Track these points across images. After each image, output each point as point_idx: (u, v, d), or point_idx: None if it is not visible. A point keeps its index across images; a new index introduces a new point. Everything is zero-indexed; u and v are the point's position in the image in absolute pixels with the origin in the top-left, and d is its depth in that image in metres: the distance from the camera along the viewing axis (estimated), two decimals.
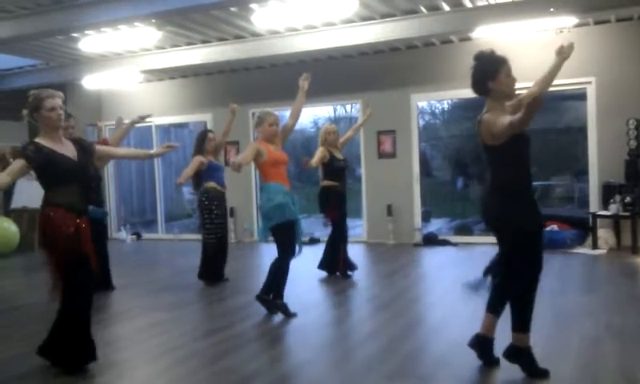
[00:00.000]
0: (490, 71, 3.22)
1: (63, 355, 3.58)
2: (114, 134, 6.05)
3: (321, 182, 6.47)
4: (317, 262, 6.68)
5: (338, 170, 6.43)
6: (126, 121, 6.25)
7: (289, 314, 4.84)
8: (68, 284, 3.51)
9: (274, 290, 4.91)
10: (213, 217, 6.18)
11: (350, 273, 6.50)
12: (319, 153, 6.31)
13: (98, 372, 3.72)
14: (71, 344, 3.55)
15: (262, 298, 4.94)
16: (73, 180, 3.53)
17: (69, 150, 3.56)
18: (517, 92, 3.26)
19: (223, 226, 6.35)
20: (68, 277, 3.50)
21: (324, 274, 6.59)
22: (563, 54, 3.51)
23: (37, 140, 3.50)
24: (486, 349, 3.43)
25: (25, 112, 3.55)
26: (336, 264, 6.49)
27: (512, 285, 3.27)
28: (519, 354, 3.26)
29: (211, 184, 6.20)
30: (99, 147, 4.04)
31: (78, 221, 3.51)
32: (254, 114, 10.13)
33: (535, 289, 3.24)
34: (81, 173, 3.59)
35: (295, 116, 5.22)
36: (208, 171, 6.19)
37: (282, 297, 4.91)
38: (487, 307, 3.45)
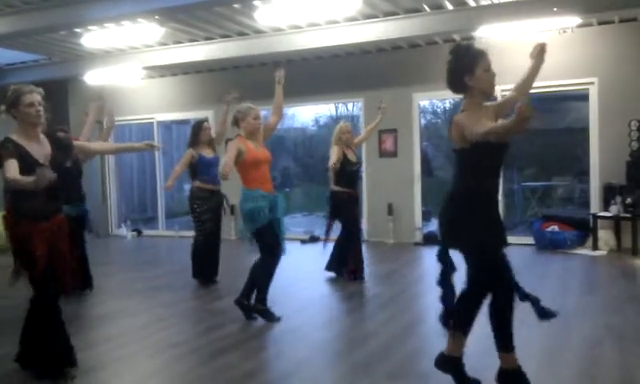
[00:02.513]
0: (467, 65, 2.90)
1: (37, 359, 3.47)
2: (83, 130, 5.80)
3: (332, 185, 6.17)
4: (316, 260, 6.65)
5: (351, 174, 6.18)
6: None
7: (272, 319, 4.67)
8: (37, 292, 3.39)
9: (257, 294, 4.71)
10: (197, 215, 6.09)
11: (355, 277, 6.23)
12: (335, 153, 6.07)
13: (99, 368, 3.74)
14: (44, 348, 3.43)
15: (240, 302, 4.75)
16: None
17: (44, 151, 3.39)
18: (496, 88, 3.04)
19: (212, 224, 6.15)
20: (36, 285, 3.37)
21: (324, 272, 6.49)
22: (541, 55, 3.15)
23: (13, 137, 3.31)
24: (457, 369, 3.14)
25: (2, 108, 3.40)
26: (344, 265, 6.28)
27: (492, 303, 3.01)
28: (511, 377, 3.01)
29: (197, 183, 6.10)
30: (75, 142, 3.87)
31: (47, 226, 3.36)
32: None
33: (510, 305, 2.99)
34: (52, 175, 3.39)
35: (278, 112, 5.01)
36: (201, 167, 6.09)
37: (264, 302, 4.72)
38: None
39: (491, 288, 3.02)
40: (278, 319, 4.69)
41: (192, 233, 6.33)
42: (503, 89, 8.01)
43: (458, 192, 3.00)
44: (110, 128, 6.09)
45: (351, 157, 6.25)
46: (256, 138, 4.70)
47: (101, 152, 4.27)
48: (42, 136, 3.46)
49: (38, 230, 3.31)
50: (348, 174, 6.16)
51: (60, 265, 3.46)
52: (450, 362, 3.14)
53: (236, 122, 4.72)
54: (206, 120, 6.51)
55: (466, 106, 2.96)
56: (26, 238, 3.29)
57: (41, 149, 3.40)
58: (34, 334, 3.46)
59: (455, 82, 2.98)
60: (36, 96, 3.38)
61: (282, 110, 5.08)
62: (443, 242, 3.10)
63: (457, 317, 3.11)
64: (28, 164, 3.26)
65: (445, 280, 3.10)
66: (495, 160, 2.97)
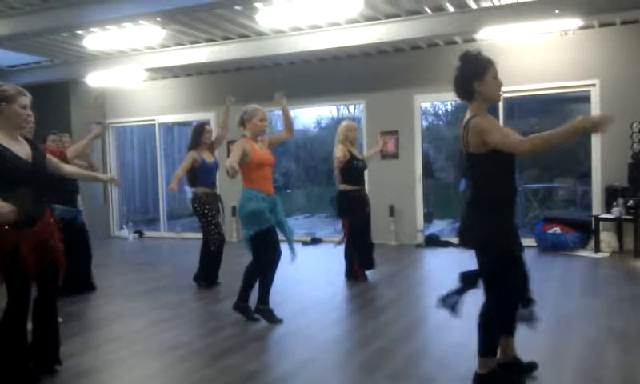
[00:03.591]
0: (477, 71, 2.99)
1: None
2: (77, 145, 5.73)
3: (339, 184, 6.17)
4: (317, 263, 6.63)
5: (358, 171, 6.20)
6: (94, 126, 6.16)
7: (274, 321, 4.67)
8: (9, 297, 3.27)
9: (258, 295, 4.73)
10: (209, 220, 6.05)
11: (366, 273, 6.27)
12: (340, 151, 6.05)
13: (100, 370, 3.74)
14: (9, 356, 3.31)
15: (238, 306, 4.77)
16: (23, 184, 3.26)
17: (24, 150, 3.35)
18: (502, 96, 3.12)
19: (219, 226, 6.15)
20: (9, 291, 3.27)
21: (324, 274, 6.49)
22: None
23: None
24: (515, 372, 3.20)
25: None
26: (354, 269, 6.24)
27: (486, 307, 3.08)
28: (491, 379, 3.07)
29: (201, 189, 6.06)
30: (48, 157, 3.73)
31: (34, 231, 3.28)
32: None
33: (512, 316, 3.07)
34: (35, 175, 3.35)
35: (290, 129, 5.12)
36: (202, 171, 6.05)
37: (266, 303, 4.72)
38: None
39: (502, 289, 3.04)
40: (280, 321, 4.69)
41: (194, 234, 6.30)
42: (505, 90, 8.07)
43: (483, 198, 3.03)
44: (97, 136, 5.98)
45: (357, 154, 6.25)
46: (260, 139, 4.72)
47: (67, 175, 4.22)
48: (20, 138, 3.41)
49: (26, 238, 3.24)
50: (355, 170, 6.16)
51: (52, 263, 3.42)
52: (509, 368, 3.19)
53: (242, 123, 4.71)
54: (207, 123, 6.47)
55: (474, 111, 3.01)
56: (13, 248, 3.20)
57: (20, 149, 3.35)
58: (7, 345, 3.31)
59: (464, 87, 3.04)
60: (28, 100, 3.39)
61: (293, 128, 5.18)
62: (461, 241, 3.17)
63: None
64: (14, 162, 3.24)
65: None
66: (511, 162, 3.02)
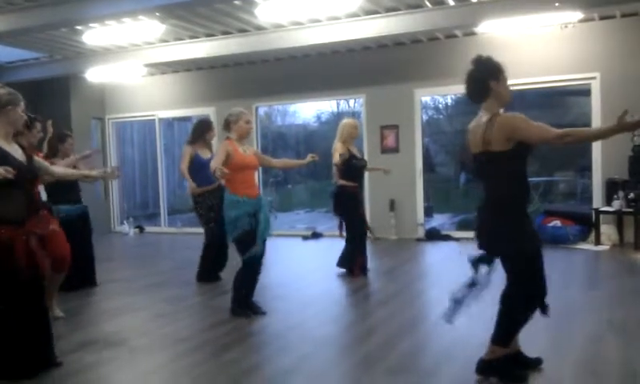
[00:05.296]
0: (494, 71, 3.06)
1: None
2: (66, 171, 5.76)
3: (337, 180, 6.14)
4: (317, 257, 6.64)
5: (358, 169, 6.18)
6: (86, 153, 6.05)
7: (238, 313, 4.72)
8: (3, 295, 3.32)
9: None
10: (205, 220, 6.04)
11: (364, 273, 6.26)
12: (339, 149, 6.03)
13: (102, 364, 3.75)
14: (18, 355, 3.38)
15: (234, 310, 4.75)
16: (21, 185, 3.34)
17: (18, 153, 3.42)
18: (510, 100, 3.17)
19: (217, 222, 5.92)
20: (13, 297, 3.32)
21: (326, 268, 6.51)
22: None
23: None
24: (518, 365, 3.24)
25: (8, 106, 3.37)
26: (353, 264, 6.23)
27: (510, 300, 3.12)
28: (494, 366, 3.15)
29: (198, 189, 6.00)
30: (36, 159, 3.79)
31: (25, 231, 3.32)
32: (257, 108, 10.15)
33: (533, 311, 3.11)
34: (29, 176, 3.42)
35: (281, 167, 5.53)
36: (196, 167, 5.98)
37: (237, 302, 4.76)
38: None
39: (533, 290, 3.08)
40: (248, 315, 4.68)
41: (195, 229, 6.29)
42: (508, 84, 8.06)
43: (499, 198, 3.07)
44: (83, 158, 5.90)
45: (356, 152, 6.24)
46: (244, 142, 4.78)
47: (57, 176, 4.27)
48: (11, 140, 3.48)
49: (19, 237, 3.27)
50: (355, 169, 6.14)
51: (57, 248, 3.50)
52: (511, 359, 3.23)
53: (228, 126, 4.76)
54: (211, 121, 6.47)
55: (490, 111, 3.05)
56: (7, 247, 3.24)
57: (17, 152, 3.43)
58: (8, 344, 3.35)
59: (479, 87, 3.09)
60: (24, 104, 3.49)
61: (287, 169, 5.30)
62: (488, 251, 3.16)
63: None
64: (10, 162, 3.28)
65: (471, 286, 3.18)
66: (526, 162, 3.11)
